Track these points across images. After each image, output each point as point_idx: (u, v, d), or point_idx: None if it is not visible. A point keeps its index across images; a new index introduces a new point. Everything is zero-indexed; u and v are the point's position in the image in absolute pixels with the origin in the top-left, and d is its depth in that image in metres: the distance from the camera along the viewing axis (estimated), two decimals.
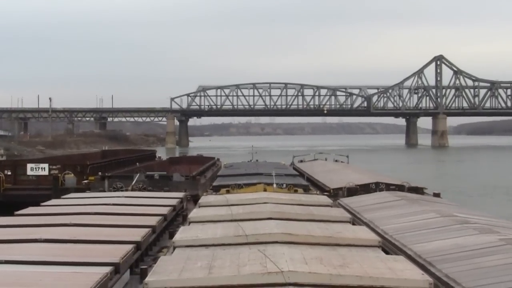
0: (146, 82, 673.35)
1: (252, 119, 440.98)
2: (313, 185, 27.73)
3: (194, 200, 22.29)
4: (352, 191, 22.94)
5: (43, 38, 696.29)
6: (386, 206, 18.11)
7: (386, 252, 11.95)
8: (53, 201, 19.79)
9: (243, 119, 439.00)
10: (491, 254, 10.77)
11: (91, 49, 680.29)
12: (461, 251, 11.24)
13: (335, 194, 23.25)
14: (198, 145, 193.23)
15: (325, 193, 22.87)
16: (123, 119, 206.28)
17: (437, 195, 22.98)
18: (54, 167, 38.14)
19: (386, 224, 15.00)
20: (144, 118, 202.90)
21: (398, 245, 12.77)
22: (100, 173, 31.82)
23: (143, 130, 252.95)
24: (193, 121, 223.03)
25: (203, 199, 18.59)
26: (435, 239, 12.53)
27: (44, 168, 38.13)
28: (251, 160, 45.91)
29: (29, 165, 38.65)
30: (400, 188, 23.32)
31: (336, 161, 45.21)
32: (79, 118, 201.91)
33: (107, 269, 9.70)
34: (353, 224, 14.54)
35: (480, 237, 12.15)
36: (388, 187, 23.43)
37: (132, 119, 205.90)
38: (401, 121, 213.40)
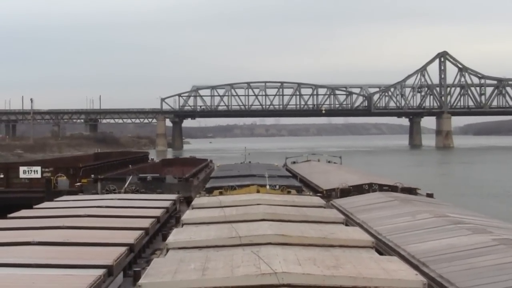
0: (138, 82, 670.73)
1: (257, 120, 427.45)
2: (306, 186, 27.72)
3: (187, 202, 22.26)
4: (345, 192, 22.93)
5: (33, 39, 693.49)
6: (380, 206, 18.11)
7: (380, 253, 11.95)
8: (46, 204, 19.73)
9: (248, 120, 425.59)
10: (485, 254, 10.78)
11: (81, 50, 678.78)
12: (454, 252, 11.25)
13: (328, 195, 23.23)
14: (194, 147, 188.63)
15: (318, 194, 22.83)
16: (112, 121, 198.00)
17: (430, 195, 22.97)
18: (46, 169, 38.09)
19: (379, 225, 15.00)
20: (133, 120, 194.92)
21: (392, 245, 12.77)
22: (92, 175, 31.70)
23: (139, 132, 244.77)
24: (197, 123, 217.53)
25: (196, 201, 18.54)
26: (429, 240, 12.54)
27: (37, 171, 38.06)
28: (243, 162, 45.83)
29: (21, 168, 38.59)
30: (393, 188, 23.32)
31: (329, 162, 45.22)
32: (65, 120, 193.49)
33: (100, 271, 9.69)
34: (347, 225, 14.53)
35: (474, 237, 12.16)
36: (381, 187, 23.42)
37: (120, 121, 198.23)
38: (406, 121, 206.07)
